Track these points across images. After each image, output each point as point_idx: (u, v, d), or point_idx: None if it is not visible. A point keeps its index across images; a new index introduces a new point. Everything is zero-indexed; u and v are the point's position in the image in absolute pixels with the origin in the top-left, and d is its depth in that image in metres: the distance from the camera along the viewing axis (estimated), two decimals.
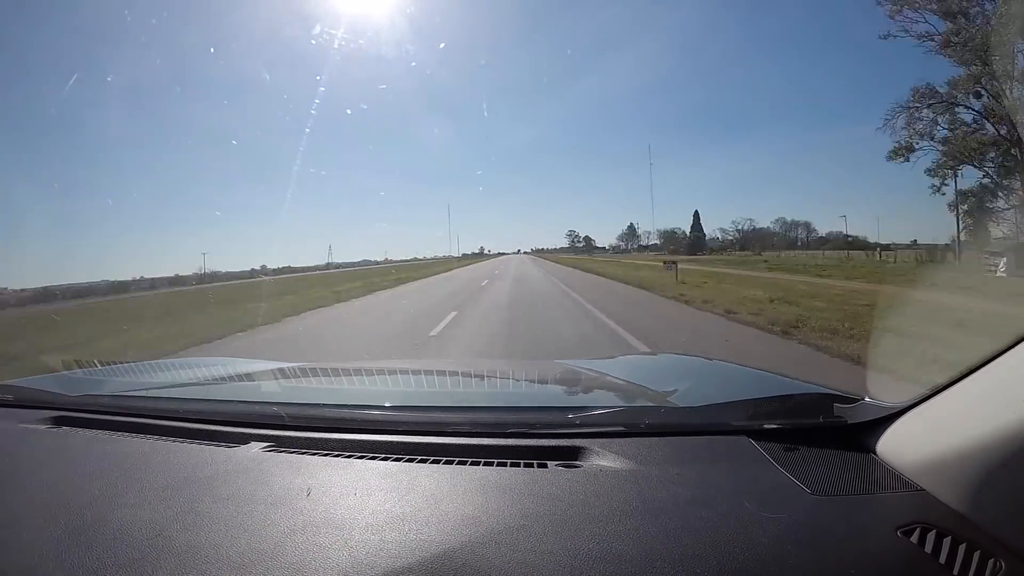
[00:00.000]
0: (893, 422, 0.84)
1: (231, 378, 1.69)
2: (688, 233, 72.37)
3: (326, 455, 0.93)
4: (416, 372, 1.70)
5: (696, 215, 74.10)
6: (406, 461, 0.89)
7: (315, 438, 1.00)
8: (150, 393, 1.39)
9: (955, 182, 22.28)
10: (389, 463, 0.89)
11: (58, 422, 1.19)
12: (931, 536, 0.65)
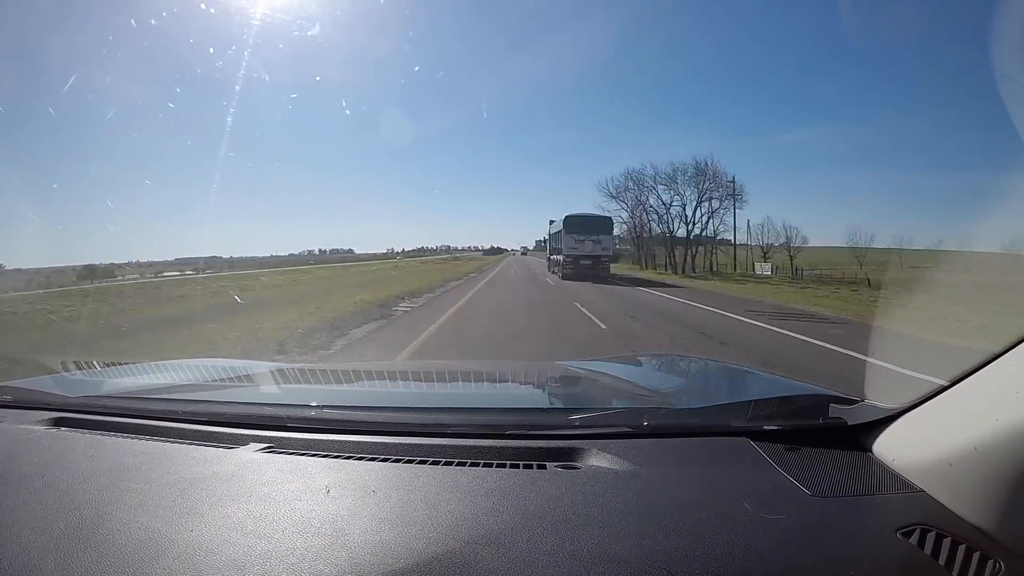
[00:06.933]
0: (892, 423, 0.84)
1: (230, 380, 1.69)
2: None
3: (324, 456, 0.93)
4: (415, 373, 1.70)
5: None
6: (405, 462, 0.89)
7: (313, 439, 1.00)
8: (149, 394, 1.39)
9: None
10: (388, 464, 0.89)
11: (57, 423, 1.19)
12: (931, 537, 0.65)
